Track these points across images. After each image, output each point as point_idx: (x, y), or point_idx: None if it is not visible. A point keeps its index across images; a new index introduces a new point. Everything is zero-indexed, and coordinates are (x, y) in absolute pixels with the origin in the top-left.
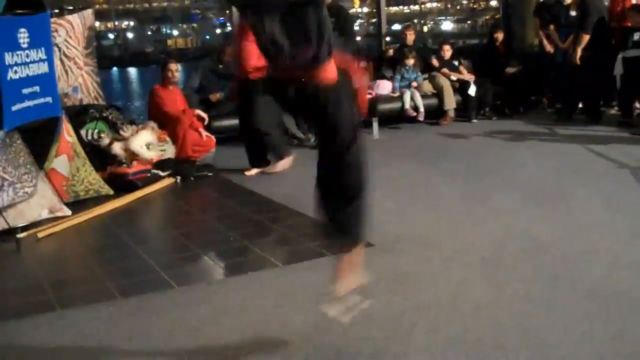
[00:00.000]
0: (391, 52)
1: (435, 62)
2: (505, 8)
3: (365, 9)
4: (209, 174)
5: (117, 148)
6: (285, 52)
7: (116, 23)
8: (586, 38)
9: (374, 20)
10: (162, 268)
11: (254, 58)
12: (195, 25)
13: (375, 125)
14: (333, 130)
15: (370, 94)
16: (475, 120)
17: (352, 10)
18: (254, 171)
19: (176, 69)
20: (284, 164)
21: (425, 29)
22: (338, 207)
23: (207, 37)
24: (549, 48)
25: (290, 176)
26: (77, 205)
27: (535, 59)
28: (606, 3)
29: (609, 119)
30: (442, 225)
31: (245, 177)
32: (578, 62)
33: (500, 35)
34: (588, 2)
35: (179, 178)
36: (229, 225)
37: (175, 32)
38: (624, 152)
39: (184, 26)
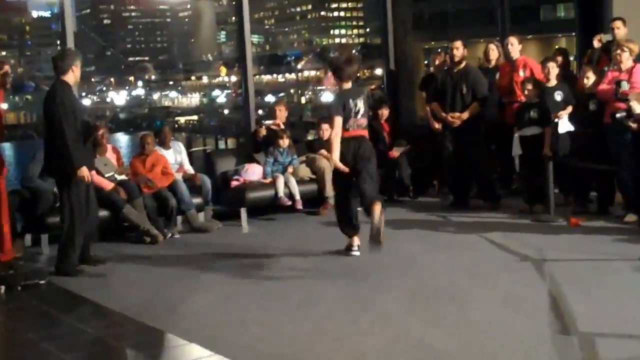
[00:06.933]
0: (263, 131)
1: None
2: (389, 79)
3: (234, 78)
4: (41, 281)
5: None
6: None
7: None
8: (477, 106)
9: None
10: None
11: None
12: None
13: (243, 216)
14: None
15: (237, 180)
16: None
17: (218, 79)
18: None
19: None
20: None
21: (303, 99)
22: None
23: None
24: (436, 126)
25: (138, 283)
26: None
27: (424, 136)
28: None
29: (508, 204)
30: (324, 338)
31: (84, 283)
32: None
33: (385, 112)
34: (476, 71)
35: (2, 288)
36: (63, 346)
37: None
38: (525, 242)
39: None
